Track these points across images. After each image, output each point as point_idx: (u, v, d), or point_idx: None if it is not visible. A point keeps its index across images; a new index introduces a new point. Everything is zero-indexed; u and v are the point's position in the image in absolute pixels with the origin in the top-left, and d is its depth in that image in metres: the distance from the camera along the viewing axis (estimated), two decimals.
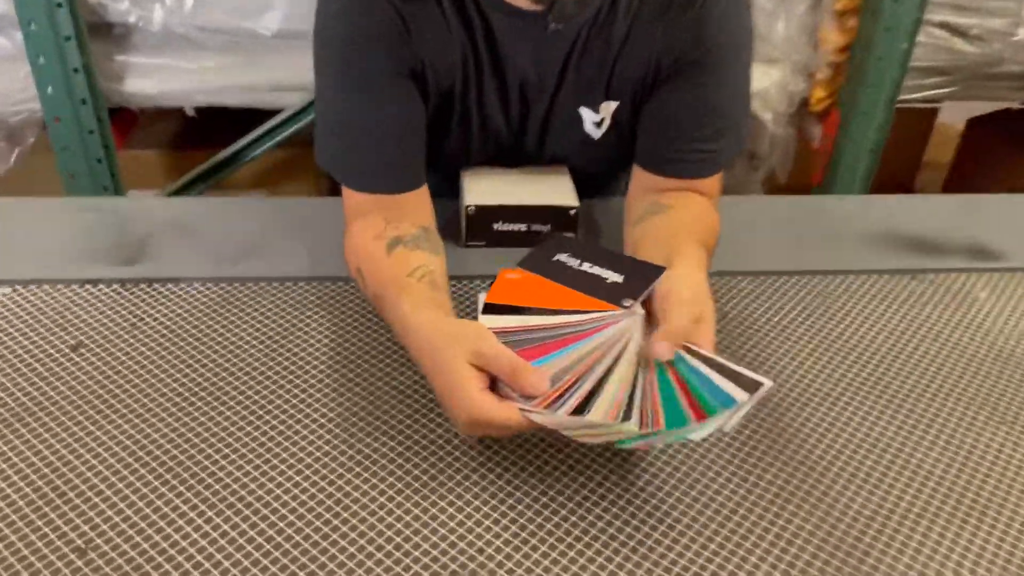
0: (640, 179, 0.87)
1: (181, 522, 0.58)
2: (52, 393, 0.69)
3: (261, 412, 0.68)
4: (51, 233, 0.90)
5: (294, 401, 0.70)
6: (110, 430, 0.65)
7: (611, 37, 0.81)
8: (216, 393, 0.70)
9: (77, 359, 0.73)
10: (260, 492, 0.61)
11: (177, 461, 0.63)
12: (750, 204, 1.06)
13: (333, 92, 0.80)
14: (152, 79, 1.50)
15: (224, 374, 0.72)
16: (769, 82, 1.61)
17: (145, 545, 0.57)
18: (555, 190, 0.92)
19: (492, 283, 0.69)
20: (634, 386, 0.60)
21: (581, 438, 0.59)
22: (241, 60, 1.52)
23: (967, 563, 0.59)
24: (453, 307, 0.71)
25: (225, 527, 0.58)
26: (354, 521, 0.59)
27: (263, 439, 0.66)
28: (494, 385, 0.60)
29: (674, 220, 0.79)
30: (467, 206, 0.89)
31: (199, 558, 0.56)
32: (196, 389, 0.70)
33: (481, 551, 0.58)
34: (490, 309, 0.66)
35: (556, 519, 0.61)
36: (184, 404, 0.69)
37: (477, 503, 0.61)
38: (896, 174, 2.30)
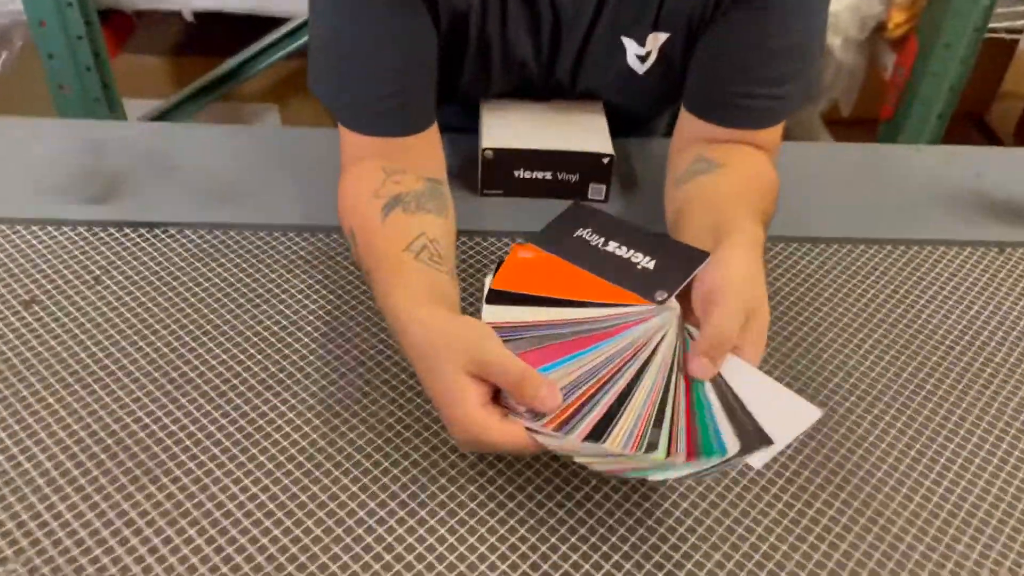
0: (688, 126, 0.74)
1: (140, 496, 0.50)
2: None
3: (238, 390, 0.59)
4: (5, 162, 0.80)
5: (279, 375, 0.60)
6: (66, 399, 0.57)
7: None
8: (187, 361, 0.61)
9: (28, 317, 0.64)
10: (237, 474, 0.53)
11: (137, 439, 0.55)
12: (807, 152, 0.92)
13: (327, 10, 0.67)
14: None
15: (199, 340, 0.63)
16: (840, 4, 1.42)
17: (99, 525, 0.49)
18: (587, 133, 0.79)
19: (500, 264, 0.58)
20: (664, 402, 0.49)
21: (597, 466, 0.49)
22: None
23: None
24: (459, 276, 0.60)
25: (196, 513, 0.50)
26: (333, 505, 0.51)
27: (240, 422, 0.57)
28: (498, 395, 0.50)
29: (726, 183, 0.66)
30: (484, 149, 0.77)
31: (169, 532, 0.48)
32: (164, 357, 0.61)
33: (473, 549, 0.49)
34: (496, 297, 0.55)
35: (555, 520, 0.52)
36: (149, 375, 0.60)
37: (472, 488, 0.52)
38: (969, 105, 2.10)
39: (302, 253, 0.72)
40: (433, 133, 0.72)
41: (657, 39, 0.72)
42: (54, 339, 0.62)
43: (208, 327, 0.64)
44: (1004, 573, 0.51)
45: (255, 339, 0.63)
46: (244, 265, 0.70)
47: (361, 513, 0.52)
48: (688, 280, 0.54)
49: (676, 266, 0.55)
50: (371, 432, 0.57)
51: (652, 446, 0.47)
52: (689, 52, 0.72)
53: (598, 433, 0.47)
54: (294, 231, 0.74)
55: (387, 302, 0.57)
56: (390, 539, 0.51)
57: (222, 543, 0.50)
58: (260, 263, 0.71)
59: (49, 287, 0.67)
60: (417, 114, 0.70)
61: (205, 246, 0.72)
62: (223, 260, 0.71)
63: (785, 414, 0.49)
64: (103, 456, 0.54)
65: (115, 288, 0.67)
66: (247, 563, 0.49)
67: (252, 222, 0.75)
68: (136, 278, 0.68)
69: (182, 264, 0.70)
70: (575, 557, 0.51)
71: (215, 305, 0.66)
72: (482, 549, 0.51)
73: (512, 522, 0.53)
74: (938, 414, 0.62)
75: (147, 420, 0.57)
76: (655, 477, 0.47)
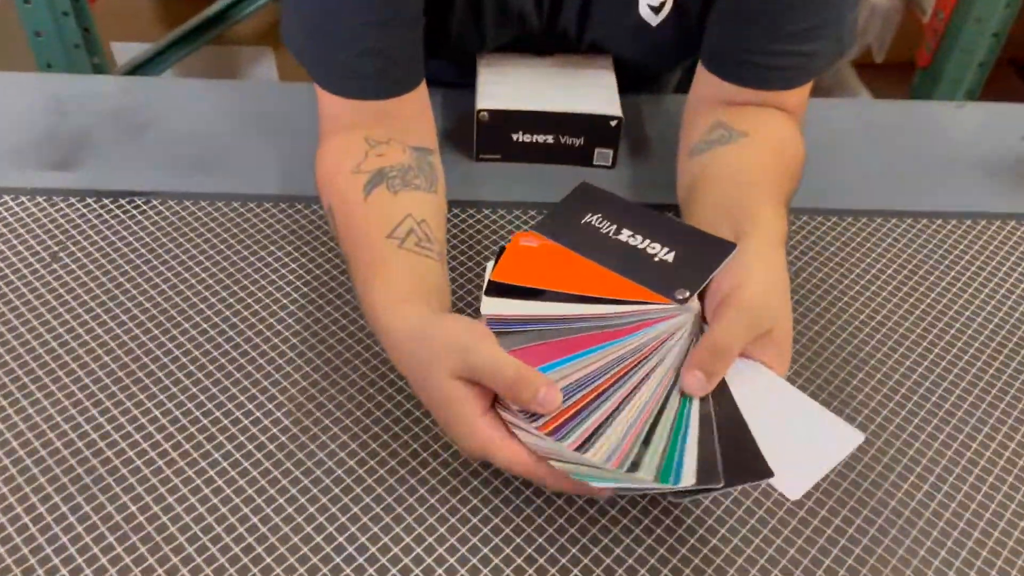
0: (705, 86, 0.66)
1: (102, 498, 0.46)
2: None
3: (214, 377, 0.54)
4: None
5: (259, 359, 0.55)
6: (13, 394, 0.52)
7: None
8: (155, 347, 0.56)
9: None
10: (208, 460, 0.48)
11: (103, 433, 0.50)
12: (830, 109, 0.84)
13: None
14: None
15: (168, 323, 0.58)
16: None
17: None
18: (593, 92, 0.72)
19: (501, 252, 0.52)
20: (659, 416, 0.43)
21: (559, 466, 0.43)
22: None
23: None
24: (452, 253, 0.54)
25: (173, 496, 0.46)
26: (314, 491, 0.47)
27: (215, 413, 0.52)
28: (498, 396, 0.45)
29: (747, 158, 0.59)
30: (479, 111, 0.70)
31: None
32: (127, 344, 0.56)
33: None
34: (496, 289, 0.49)
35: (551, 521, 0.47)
36: (110, 364, 0.55)
37: (466, 474, 0.48)
38: (1012, 51, 1.97)
39: (284, 225, 0.66)
40: (421, 93, 0.65)
41: None
42: (3, 324, 0.57)
43: (179, 309, 0.59)
44: None
45: (231, 321, 0.58)
46: (217, 240, 0.64)
47: (336, 490, 0.48)
48: (712, 276, 0.48)
49: (699, 260, 0.49)
50: (351, 417, 0.52)
51: (635, 466, 0.41)
52: (708, 2, 0.64)
53: (588, 441, 0.42)
54: (273, 202, 0.68)
55: (366, 299, 0.51)
56: (376, 528, 0.47)
57: (197, 531, 0.46)
58: (237, 237, 0.65)
59: (0, 264, 0.61)
60: (402, 73, 0.63)
61: (175, 219, 0.66)
62: (195, 235, 0.65)
63: (823, 438, 0.43)
64: (65, 452, 0.50)
65: (73, 267, 0.62)
66: (224, 552, 0.45)
67: (229, 191, 0.68)
68: (98, 255, 0.63)
69: (148, 240, 0.64)
70: (571, 556, 0.46)
71: (186, 285, 0.61)
72: (476, 543, 0.46)
73: (508, 513, 0.48)
74: (976, 413, 0.56)
75: (108, 415, 0.52)
76: (599, 484, 0.42)
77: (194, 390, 0.54)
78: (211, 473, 0.50)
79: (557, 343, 0.46)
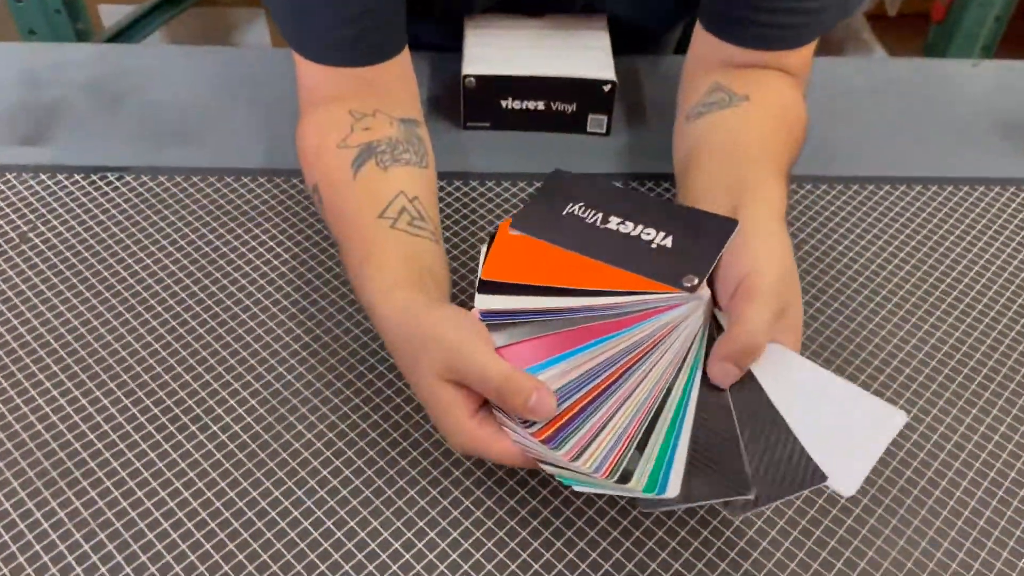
0: (704, 47, 0.62)
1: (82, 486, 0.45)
2: None
3: (187, 363, 0.52)
4: None
5: (237, 344, 0.53)
6: None
7: None
8: (128, 333, 0.54)
9: None
10: (200, 438, 0.46)
11: (71, 424, 0.48)
12: (843, 69, 0.80)
13: None
14: None
15: (145, 307, 0.55)
16: None
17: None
18: (586, 55, 0.68)
19: (492, 241, 0.48)
20: (655, 418, 0.41)
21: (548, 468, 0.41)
22: None
23: None
24: (444, 232, 0.51)
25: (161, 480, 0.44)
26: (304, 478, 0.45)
27: (192, 397, 0.50)
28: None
29: (748, 124, 0.55)
30: (465, 76, 0.66)
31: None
32: (98, 330, 0.54)
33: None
34: (488, 288, 0.46)
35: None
36: (80, 351, 0.53)
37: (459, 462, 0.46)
38: None
39: (263, 201, 0.63)
40: (404, 60, 0.61)
41: None
42: None
43: (152, 292, 0.57)
44: None
45: (207, 303, 0.56)
46: (193, 218, 0.62)
47: (325, 472, 0.46)
48: (719, 258, 0.44)
49: (700, 241, 0.45)
50: (341, 396, 0.50)
51: (627, 476, 0.39)
52: None
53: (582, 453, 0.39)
54: (252, 176, 0.65)
55: (359, 285, 0.49)
56: (365, 511, 0.45)
57: (182, 516, 0.44)
58: (213, 215, 0.62)
59: None
60: (383, 39, 0.59)
61: (149, 196, 0.63)
62: (171, 212, 0.62)
63: (865, 422, 0.40)
64: (32, 444, 0.48)
65: (43, 247, 0.59)
66: (215, 543, 0.43)
67: (207, 166, 0.66)
68: (68, 235, 0.60)
69: (121, 218, 0.62)
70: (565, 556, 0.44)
71: (160, 266, 0.58)
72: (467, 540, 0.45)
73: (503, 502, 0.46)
74: (990, 387, 0.53)
75: (76, 404, 0.50)
76: (582, 488, 0.40)
77: (167, 377, 0.52)
78: (196, 456, 0.48)
79: (556, 336, 0.43)
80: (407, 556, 0.45)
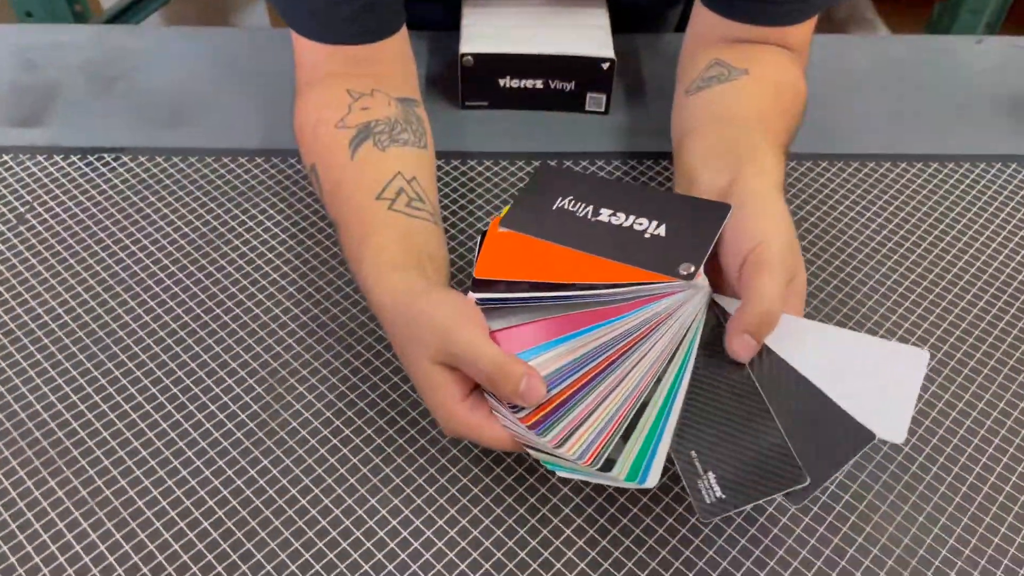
0: (703, 23, 0.62)
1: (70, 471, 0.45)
2: None
3: (184, 343, 0.52)
4: None
5: (233, 325, 0.53)
6: None
7: None
8: (125, 314, 0.54)
9: None
10: (197, 418, 0.47)
11: (69, 404, 0.48)
12: (846, 46, 0.79)
13: None
14: None
15: (142, 288, 0.55)
16: None
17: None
18: (585, 33, 0.67)
19: (484, 237, 0.47)
20: (643, 407, 0.41)
21: (534, 453, 0.41)
22: None
23: None
24: (443, 212, 0.50)
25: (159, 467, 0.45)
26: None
27: (190, 376, 0.50)
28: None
29: (746, 97, 0.55)
30: (462, 55, 0.66)
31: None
32: (95, 310, 0.54)
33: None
34: (482, 287, 0.45)
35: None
36: (77, 332, 0.53)
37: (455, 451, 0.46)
38: None
39: (259, 181, 0.63)
40: (402, 38, 0.61)
41: None
42: None
43: (149, 272, 0.57)
44: None
45: (205, 283, 0.56)
46: (191, 199, 0.62)
47: (322, 450, 0.46)
48: (714, 243, 0.44)
49: (694, 228, 0.44)
50: (338, 375, 0.50)
51: (609, 464, 0.39)
52: None
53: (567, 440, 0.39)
54: (249, 156, 0.65)
55: (356, 267, 0.49)
56: (353, 497, 0.45)
57: (180, 495, 0.44)
58: (210, 195, 0.62)
59: None
60: (382, 16, 0.59)
61: (146, 176, 0.63)
62: (167, 192, 0.62)
63: (892, 369, 0.40)
64: (25, 419, 0.48)
65: (40, 228, 0.59)
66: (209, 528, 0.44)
67: (203, 146, 0.65)
68: (65, 216, 0.60)
69: (118, 199, 0.61)
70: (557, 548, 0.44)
71: (157, 246, 0.58)
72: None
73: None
74: (1002, 370, 0.53)
75: (74, 384, 0.50)
76: (565, 474, 0.40)
77: (164, 356, 0.52)
78: (195, 435, 0.48)
79: (550, 322, 0.43)
80: (405, 533, 0.45)
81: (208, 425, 0.49)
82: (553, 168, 0.51)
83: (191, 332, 0.53)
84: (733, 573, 0.43)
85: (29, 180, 0.62)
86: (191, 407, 0.50)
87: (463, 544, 0.44)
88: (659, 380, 0.41)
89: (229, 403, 0.50)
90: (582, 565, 0.44)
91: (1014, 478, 0.48)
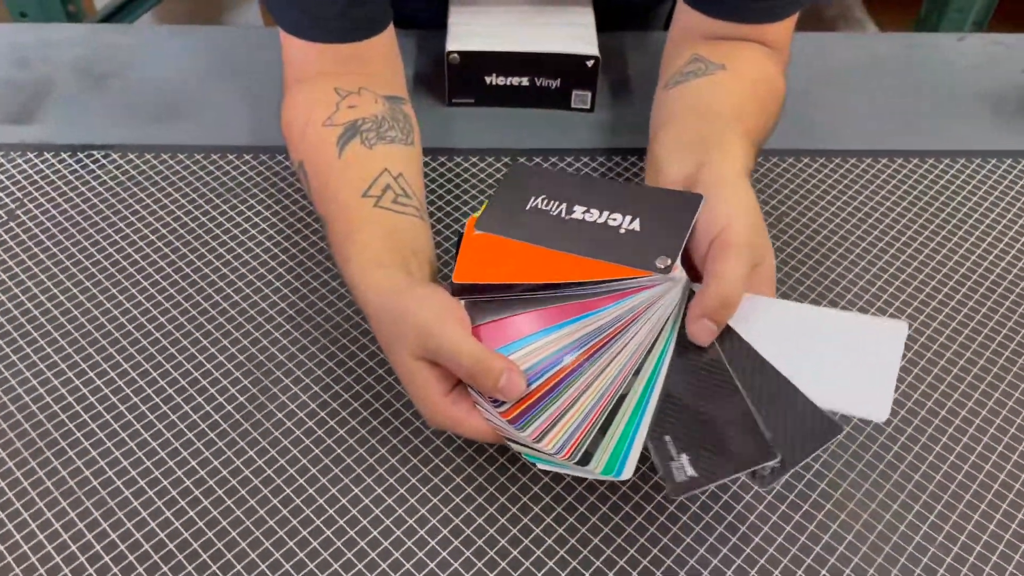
0: (685, 21, 0.62)
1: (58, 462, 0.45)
2: None
3: (172, 336, 0.53)
4: None
5: (222, 319, 0.54)
6: None
7: None
8: (114, 308, 0.54)
9: None
10: (179, 423, 0.47)
11: (58, 396, 0.49)
12: (830, 44, 0.80)
13: None
14: None
15: (132, 283, 0.56)
16: None
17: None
18: (570, 31, 0.68)
19: (460, 239, 0.48)
20: (620, 400, 0.41)
21: (514, 446, 0.42)
22: None
23: None
24: (429, 208, 0.51)
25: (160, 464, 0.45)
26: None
27: (178, 369, 0.51)
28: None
29: (722, 90, 0.56)
30: (449, 52, 0.67)
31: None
32: (83, 306, 0.55)
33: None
34: (461, 291, 0.45)
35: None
36: (67, 326, 0.53)
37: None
38: None
39: (248, 177, 0.64)
40: (389, 36, 0.61)
41: None
42: None
43: (138, 267, 0.57)
44: None
45: (193, 278, 0.57)
46: (180, 195, 0.62)
47: (307, 440, 0.47)
48: (688, 235, 0.44)
49: (668, 220, 0.45)
50: (324, 368, 0.51)
51: (587, 458, 0.39)
52: None
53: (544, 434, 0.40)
54: (237, 153, 0.66)
55: (342, 264, 0.50)
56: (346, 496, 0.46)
57: (167, 485, 0.45)
58: (199, 191, 0.63)
59: None
60: (369, 14, 0.59)
61: (135, 173, 0.64)
62: (157, 189, 0.63)
63: (870, 343, 0.40)
64: (18, 416, 0.49)
65: (30, 224, 0.60)
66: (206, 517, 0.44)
67: (195, 143, 0.66)
68: (55, 213, 0.61)
69: (108, 196, 0.62)
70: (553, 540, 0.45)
71: (146, 242, 0.59)
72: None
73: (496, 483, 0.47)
74: (978, 362, 0.54)
75: (63, 376, 0.51)
76: (545, 467, 0.41)
77: (152, 350, 0.53)
78: (182, 427, 0.49)
79: (530, 315, 0.44)
80: (387, 522, 0.45)
81: (195, 417, 0.49)
82: (526, 167, 0.51)
83: (180, 326, 0.54)
84: (710, 559, 0.44)
85: (20, 177, 0.63)
86: (179, 399, 0.50)
87: (445, 532, 0.45)
88: (637, 373, 0.42)
89: (216, 395, 0.51)
90: (562, 552, 0.45)
91: (994, 457, 0.49)
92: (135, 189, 0.63)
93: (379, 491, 0.47)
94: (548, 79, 0.68)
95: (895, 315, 0.56)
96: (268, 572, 0.43)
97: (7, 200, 0.61)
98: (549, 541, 0.45)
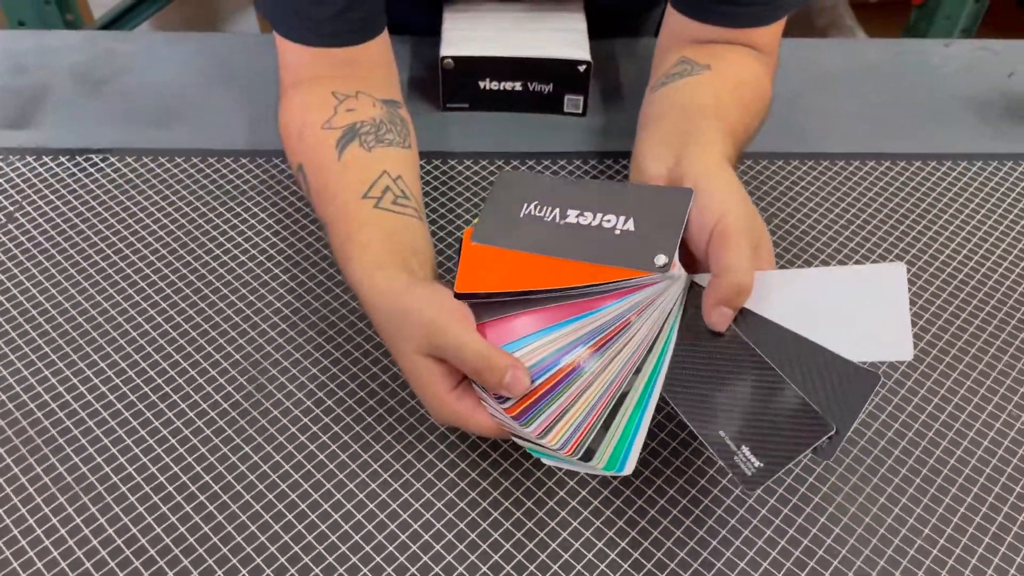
0: (674, 25, 0.64)
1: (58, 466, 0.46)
2: None
3: (174, 341, 0.54)
4: None
5: (219, 320, 0.54)
6: None
7: None
8: (113, 310, 0.55)
9: None
10: (187, 415, 0.48)
11: (55, 394, 0.50)
12: (819, 51, 0.81)
13: None
14: None
15: (129, 286, 0.57)
16: None
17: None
18: (562, 36, 0.69)
19: (463, 243, 0.48)
20: (623, 397, 0.42)
21: (520, 442, 0.43)
22: None
23: None
24: (429, 215, 0.52)
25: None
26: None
27: (175, 369, 0.52)
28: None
29: (705, 88, 0.56)
30: (443, 58, 0.68)
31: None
32: (81, 307, 0.55)
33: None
34: (464, 300, 0.46)
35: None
36: (65, 329, 0.54)
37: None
38: None
39: (244, 180, 0.65)
40: (384, 41, 0.62)
41: None
42: None
43: (135, 268, 0.58)
44: None
45: (190, 279, 0.57)
46: (177, 198, 0.63)
47: (322, 457, 0.48)
48: (683, 229, 0.45)
49: (661, 217, 0.45)
50: (320, 367, 0.52)
51: (590, 454, 0.40)
52: None
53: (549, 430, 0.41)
54: (234, 157, 0.67)
55: (344, 265, 0.50)
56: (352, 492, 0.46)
57: (164, 481, 0.46)
58: (196, 194, 0.63)
59: None
60: (364, 19, 0.60)
61: (133, 176, 0.65)
62: (154, 192, 0.63)
63: (876, 290, 0.41)
64: (17, 413, 0.49)
65: (29, 227, 0.61)
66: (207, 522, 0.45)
67: (192, 147, 0.67)
68: (54, 216, 0.61)
69: (105, 198, 0.63)
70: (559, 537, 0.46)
71: (143, 243, 0.60)
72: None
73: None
74: (965, 357, 0.55)
75: (60, 375, 0.51)
76: (550, 462, 0.42)
77: (150, 349, 0.53)
78: (184, 430, 0.49)
79: (534, 314, 0.44)
80: (389, 523, 0.46)
81: (199, 422, 0.50)
82: (514, 174, 0.51)
83: (178, 328, 0.55)
84: (699, 552, 0.45)
85: (19, 180, 0.64)
86: (183, 405, 0.51)
87: (447, 528, 0.46)
88: (638, 371, 0.43)
89: (220, 401, 0.51)
90: (567, 534, 0.45)
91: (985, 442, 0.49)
92: (132, 192, 0.63)
93: (382, 494, 0.47)
94: (541, 84, 0.69)
95: None
96: (272, 575, 0.44)
97: (6, 203, 0.62)
98: (552, 524, 0.46)
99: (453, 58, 0.68)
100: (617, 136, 0.69)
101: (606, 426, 0.41)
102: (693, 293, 0.45)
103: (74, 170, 0.65)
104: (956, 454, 0.50)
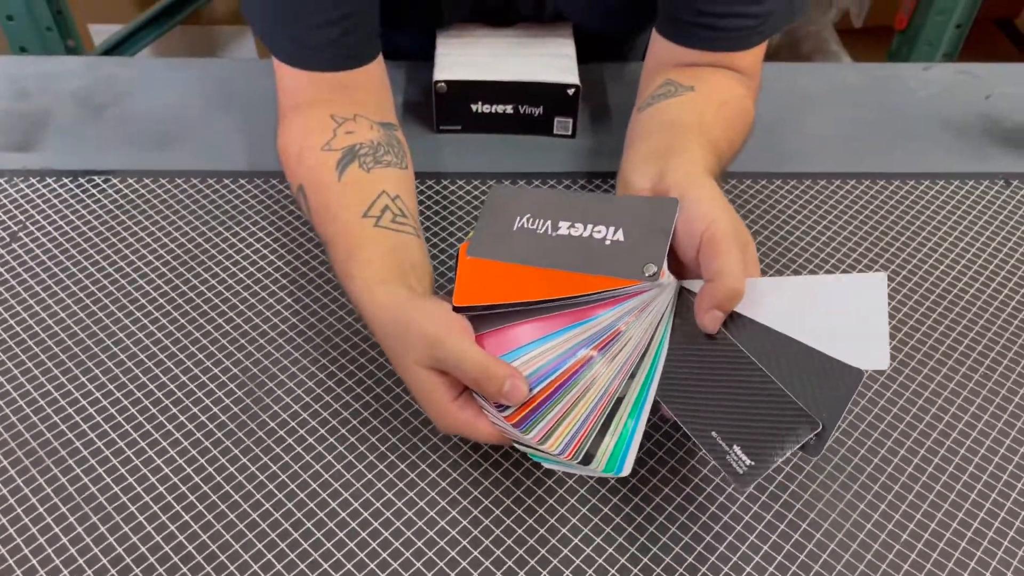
0: (659, 50, 0.66)
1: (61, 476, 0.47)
2: None
3: (177, 358, 0.55)
4: None
5: (222, 339, 0.56)
6: None
7: None
8: (117, 329, 0.56)
9: None
10: (190, 432, 0.49)
11: (58, 408, 0.51)
12: (802, 74, 0.84)
13: None
14: None
15: (131, 304, 0.58)
16: None
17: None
18: (552, 61, 0.72)
19: (459, 258, 0.49)
20: (619, 403, 0.44)
21: (520, 447, 0.44)
22: None
23: None
24: (424, 233, 0.54)
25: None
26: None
27: (176, 391, 0.53)
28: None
29: (689, 107, 0.58)
30: (436, 82, 0.70)
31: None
32: (84, 325, 0.57)
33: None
34: (462, 313, 0.47)
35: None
36: (69, 347, 0.55)
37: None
38: (998, 9, 1.96)
39: (243, 201, 0.66)
40: (379, 66, 0.64)
41: None
42: None
43: (136, 286, 0.59)
44: None
45: (190, 294, 0.59)
46: (177, 218, 0.65)
47: (318, 467, 0.49)
48: (670, 240, 0.46)
49: (649, 227, 0.47)
50: (332, 393, 0.53)
51: (589, 458, 0.42)
52: None
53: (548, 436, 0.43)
54: (233, 178, 0.69)
55: (346, 282, 0.52)
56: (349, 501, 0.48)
57: (169, 498, 0.47)
58: (196, 214, 0.65)
59: None
60: (361, 45, 0.63)
61: (135, 197, 0.66)
62: (156, 212, 0.65)
63: (856, 300, 0.42)
64: (23, 430, 0.50)
65: (32, 247, 0.62)
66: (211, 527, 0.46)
67: (192, 168, 0.69)
68: (57, 236, 0.63)
69: (108, 219, 0.65)
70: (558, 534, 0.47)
71: (144, 262, 0.61)
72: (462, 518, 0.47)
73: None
74: (943, 368, 0.56)
75: (63, 389, 0.53)
76: (551, 466, 0.44)
77: (155, 370, 0.55)
78: (190, 450, 0.51)
79: (532, 323, 0.46)
80: (398, 523, 0.47)
81: (199, 434, 0.51)
82: (505, 189, 0.53)
83: (181, 346, 0.56)
84: (693, 546, 0.46)
85: (22, 201, 0.66)
86: (185, 420, 0.52)
87: (449, 529, 0.47)
88: (633, 375, 0.44)
89: (224, 419, 0.52)
90: (567, 530, 0.46)
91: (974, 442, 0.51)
92: (134, 212, 0.65)
93: (388, 493, 0.49)
94: (532, 107, 0.71)
95: None
96: None
97: (10, 223, 0.64)
98: (551, 520, 0.47)
99: (446, 82, 0.70)
100: (606, 157, 0.71)
101: (604, 430, 0.43)
102: (683, 299, 0.47)
103: (77, 191, 0.67)
104: (940, 452, 0.51)
